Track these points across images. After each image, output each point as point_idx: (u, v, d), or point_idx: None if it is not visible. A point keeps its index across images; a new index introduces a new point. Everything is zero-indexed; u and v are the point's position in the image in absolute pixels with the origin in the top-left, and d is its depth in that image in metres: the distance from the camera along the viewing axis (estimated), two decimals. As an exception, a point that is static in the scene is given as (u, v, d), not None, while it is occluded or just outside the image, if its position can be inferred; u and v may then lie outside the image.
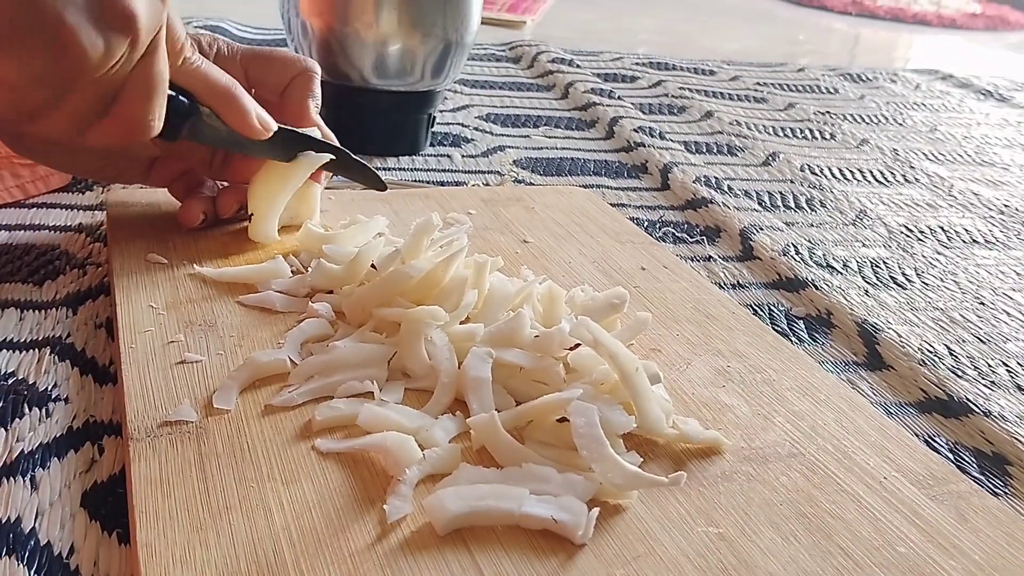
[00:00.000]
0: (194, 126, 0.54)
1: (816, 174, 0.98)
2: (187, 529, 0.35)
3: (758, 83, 1.38)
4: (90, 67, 0.44)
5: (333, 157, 0.60)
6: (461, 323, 0.50)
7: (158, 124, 0.50)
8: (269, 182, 0.59)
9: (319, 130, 0.61)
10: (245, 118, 0.54)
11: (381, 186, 0.64)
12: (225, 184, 0.62)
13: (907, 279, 0.74)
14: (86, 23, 0.42)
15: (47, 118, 0.46)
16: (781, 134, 1.13)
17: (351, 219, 0.61)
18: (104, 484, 0.41)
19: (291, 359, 0.46)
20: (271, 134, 0.56)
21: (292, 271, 0.55)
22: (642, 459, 0.42)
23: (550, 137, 1.00)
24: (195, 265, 0.55)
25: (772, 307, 0.67)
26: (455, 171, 0.86)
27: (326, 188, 0.71)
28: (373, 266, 0.52)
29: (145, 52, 0.46)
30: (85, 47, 0.43)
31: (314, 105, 0.61)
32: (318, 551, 0.35)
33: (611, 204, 0.78)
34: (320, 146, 0.60)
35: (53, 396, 0.46)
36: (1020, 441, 0.52)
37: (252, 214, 0.58)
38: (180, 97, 0.53)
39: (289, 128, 0.58)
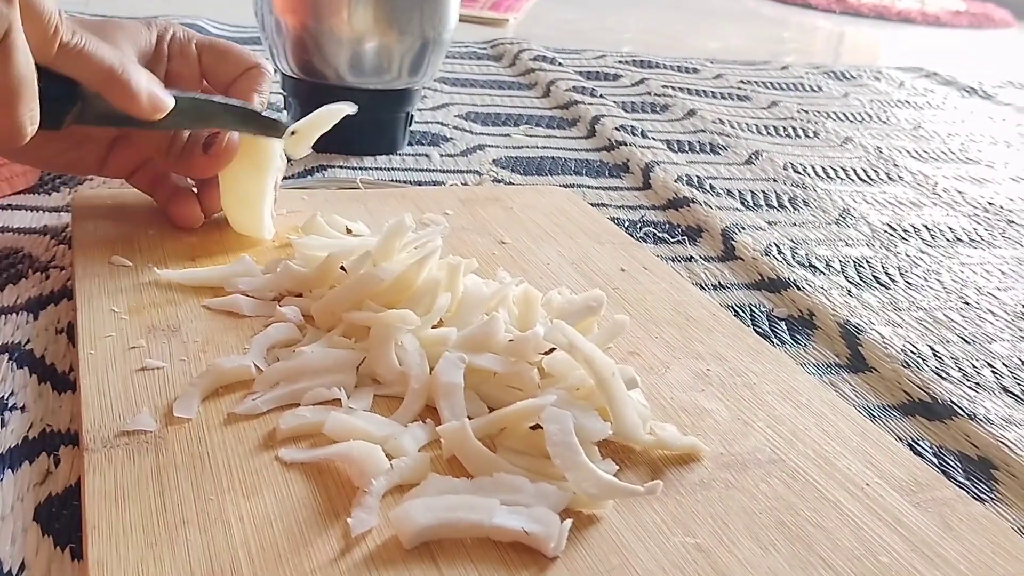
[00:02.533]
0: (82, 111, 0.50)
1: (799, 173, 0.97)
2: (141, 545, 0.34)
3: (742, 81, 1.37)
4: None
5: (283, 133, 0.58)
6: (433, 327, 0.48)
7: (30, 128, 0.45)
8: (237, 180, 0.57)
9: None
10: (132, 99, 0.50)
11: (279, 131, 0.59)
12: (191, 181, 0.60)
13: (890, 279, 0.73)
14: None
15: None
16: (764, 132, 1.12)
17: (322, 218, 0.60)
18: (59, 497, 0.39)
19: (256, 365, 0.45)
20: (165, 113, 0.51)
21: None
22: (618, 467, 0.41)
23: (530, 136, 0.98)
24: (156, 268, 0.53)
25: (754, 308, 0.66)
26: (433, 170, 0.84)
27: (301, 188, 0.70)
28: (343, 268, 0.51)
29: None
30: None
31: (259, 100, 0.59)
32: (278, 566, 0.33)
33: (592, 204, 0.77)
34: (221, 107, 0.56)
35: (9, 405, 0.44)
36: (1006, 445, 0.51)
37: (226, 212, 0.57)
38: (59, 83, 0.48)
39: (186, 95, 0.54)
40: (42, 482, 0.40)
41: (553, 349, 0.45)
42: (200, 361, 0.45)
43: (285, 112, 0.88)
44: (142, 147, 0.58)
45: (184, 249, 0.57)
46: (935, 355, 0.61)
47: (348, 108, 0.59)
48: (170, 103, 0.51)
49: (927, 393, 0.56)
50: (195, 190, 0.60)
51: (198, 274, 0.53)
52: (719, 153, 1.01)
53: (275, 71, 0.84)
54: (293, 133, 0.59)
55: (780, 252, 0.74)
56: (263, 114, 0.58)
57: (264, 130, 0.58)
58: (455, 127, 0.98)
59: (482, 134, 0.96)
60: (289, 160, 0.61)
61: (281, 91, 0.86)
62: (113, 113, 0.50)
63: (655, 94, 1.22)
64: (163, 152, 0.58)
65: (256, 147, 0.57)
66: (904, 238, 0.82)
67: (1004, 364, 0.61)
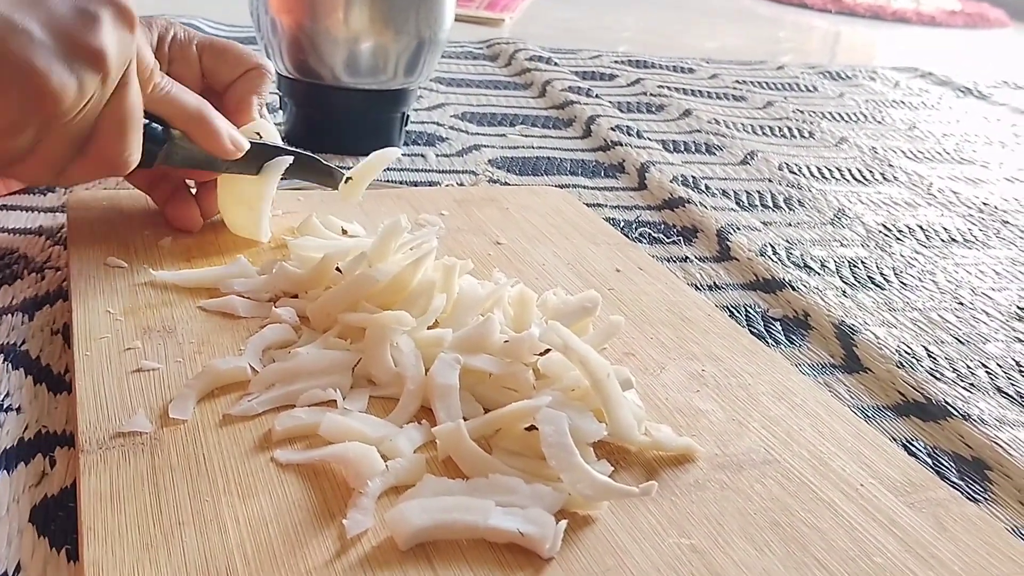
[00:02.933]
0: (168, 150, 0.53)
1: (794, 173, 0.97)
2: (137, 547, 0.34)
3: (737, 81, 1.37)
4: (64, 109, 0.43)
5: (292, 160, 0.59)
6: (429, 328, 0.48)
7: (136, 157, 0.49)
8: (235, 185, 0.58)
9: (264, 127, 0.59)
10: (218, 140, 0.54)
11: (335, 183, 0.62)
12: (191, 182, 0.61)
13: (885, 279, 0.73)
14: (57, 64, 0.42)
15: (23, 163, 0.45)
16: (760, 133, 1.12)
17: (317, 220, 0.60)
18: (55, 498, 0.39)
19: (252, 366, 0.45)
20: (242, 153, 0.55)
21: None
22: (613, 468, 0.41)
23: (526, 136, 0.99)
24: (151, 269, 0.53)
25: (749, 308, 0.66)
26: (429, 171, 0.84)
27: (295, 188, 0.70)
28: (338, 269, 0.51)
29: (117, 86, 0.45)
30: (57, 89, 0.42)
31: (258, 102, 0.59)
32: (273, 568, 0.33)
33: (587, 204, 0.77)
34: (283, 152, 0.59)
35: (4, 406, 0.44)
36: (999, 445, 0.51)
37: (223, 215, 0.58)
38: (153, 124, 0.52)
39: (261, 142, 0.58)
40: (38, 484, 0.40)
41: (548, 350, 0.45)
42: (196, 362, 0.45)
43: (280, 111, 0.88)
44: None
45: (179, 250, 0.57)
46: (929, 356, 0.61)
47: (397, 151, 0.61)
48: (246, 144, 0.55)
49: (921, 394, 0.56)
50: (193, 191, 0.60)
51: (193, 275, 0.53)
52: (715, 153, 1.01)
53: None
54: (348, 180, 0.60)
55: (775, 253, 0.74)
56: (322, 163, 0.61)
57: (322, 179, 0.61)
58: (451, 127, 0.98)
59: (478, 134, 0.96)
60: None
61: (277, 91, 0.86)
62: (193, 155, 0.54)
63: (651, 94, 1.22)
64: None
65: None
66: (899, 238, 0.82)
67: (998, 365, 0.61)
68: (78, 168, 0.47)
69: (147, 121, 0.51)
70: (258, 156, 0.57)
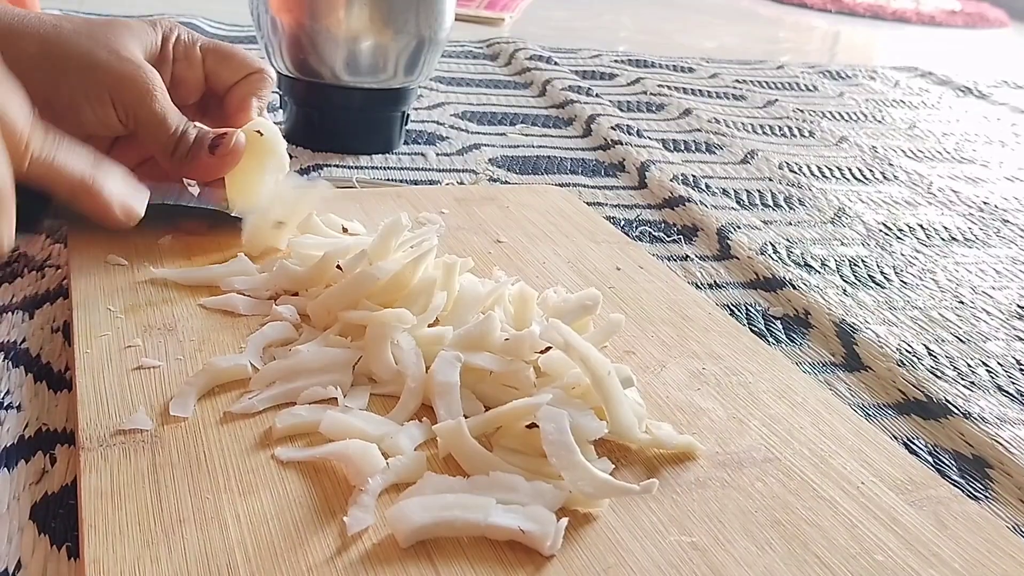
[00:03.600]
0: (56, 211, 0.50)
1: (795, 172, 0.97)
2: (138, 544, 0.34)
3: (737, 80, 1.37)
4: None
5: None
6: (429, 326, 0.48)
7: (7, 241, 0.42)
8: (244, 179, 0.58)
9: (264, 125, 0.59)
10: (103, 210, 0.50)
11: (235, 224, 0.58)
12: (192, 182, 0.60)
13: (885, 278, 0.73)
14: None
15: None
16: (760, 132, 1.12)
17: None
18: (55, 495, 0.39)
19: (252, 364, 0.45)
20: (135, 221, 0.53)
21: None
22: (614, 466, 0.41)
23: (526, 135, 0.98)
24: (152, 267, 0.53)
25: (749, 307, 0.66)
26: (429, 169, 0.84)
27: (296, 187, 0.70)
28: (339, 267, 0.51)
29: None
30: None
31: (257, 105, 0.59)
32: (274, 565, 0.33)
33: (587, 203, 0.77)
34: (189, 212, 0.57)
35: (5, 404, 0.44)
36: (1000, 443, 0.51)
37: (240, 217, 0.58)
38: (31, 191, 0.46)
39: (161, 202, 0.55)
40: (38, 481, 0.40)
41: (549, 348, 0.45)
42: (196, 360, 0.45)
43: (280, 110, 0.88)
44: (144, 147, 0.58)
45: (180, 248, 0.57)
46: (930, 354, 0.61)
47: (326, 190, 0.59)
48: (140, 212, 0.52)
49: (922, 392, 0.56)
50: (197, 192, 0.60)
51: (194, 273, 0.53)
52: (715, 152, 1.01)
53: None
54: (280, 223, 0.58)
55: (776, 251, 0.74)
56: (230, 214, 0.58)
57: (223, 226, 0.58)
58: (451, 126, 0.98)
59: (478, 133, 0.96)
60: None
61: (277, 90, 0.86)
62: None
63: (651, 93, 1.22)
64: (167, 153, 0.57)
65: (260, 146, 0.58)
66: (899, 237, 0.82)
67: (999, 363, 0.61)
68: None
69: (24, 188, 0.45)
70: (164, 214, 0.55)
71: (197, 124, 0.58)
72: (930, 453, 0.52)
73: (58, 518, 0.38)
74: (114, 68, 0.54)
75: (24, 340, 0.50)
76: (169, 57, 0.58)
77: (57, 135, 0.46)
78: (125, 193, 0.52)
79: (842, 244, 0.79)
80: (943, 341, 0.63)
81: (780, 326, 0.64)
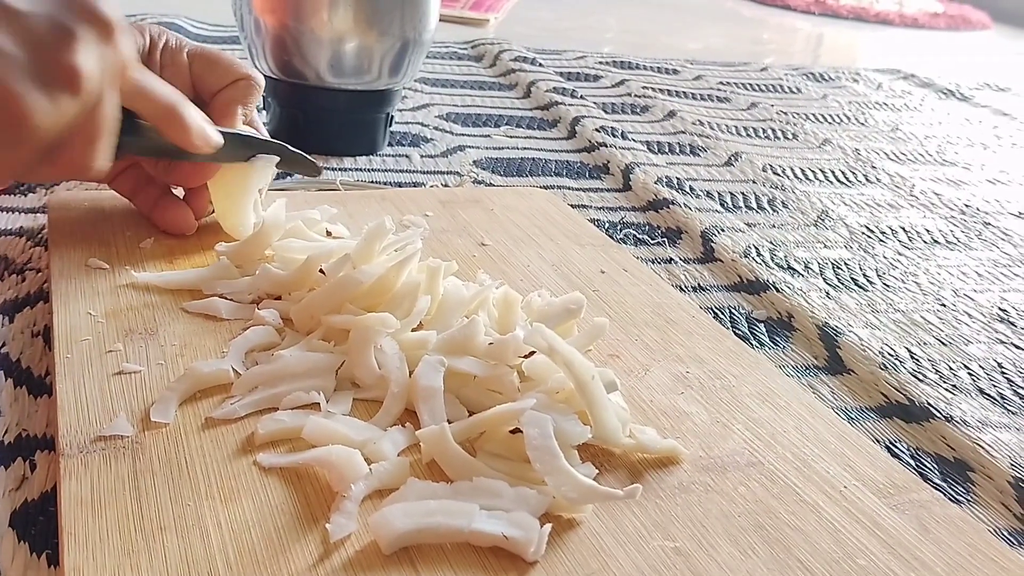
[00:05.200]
0: (137, 142, 0.52)
1: (778, 174, 0.97)
2: (118, 552, 0.33)
3: (721, 82, 1.37)
4: (37, 130, 0.41)
5: (278, 157, 0.58)
6: (413, 330, 0.48)
7: (105, 165, 0.47)
8: (228, 186, 0.57)
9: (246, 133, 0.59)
10: (187, 135, 0.52)
11: (316, 171, 0.62)
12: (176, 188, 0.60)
13: (868, 281, 0.73)
14: (31, 85, 0.40)
15: None
16: (744, 134, 1.12)
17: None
18: (35, 502, 0.39)
19: (234, 369, 0.44)
20: (214, 149, 0.54)
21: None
22: (597, 471, 0.41)
23: (511, 137, 0.98)
24: (133, 271, 0.53)
25: (733, 310, 0.66)
26: (414, 171, 0.84)
27: (279, 189, 0.69)
28: (322, 271, 0.50)
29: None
30: (31, 111, 0.40)
31: (242, 111, 0.59)
32: (256, 572, 0.33)
33: (572, 205, 0.77)
34: (263, 145, 0.58)
35: (-16, 409, 0.44)
36: (981, 446, 0.52)
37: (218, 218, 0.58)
38: (123, 116, 0.50)
39: (233, 132, 0.56)
40: (18, 488, 0.40)
41: (533, 352, 0.45)
42: (178, 365, 0.45)
43: (264, 111, 0.88)
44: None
45: (162, 251, 0.56)
46: (912, 357, 0.61)
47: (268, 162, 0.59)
48: (219, 140, 0.54)
49: (904, 395, 0.56)
50: (180, 195, 0.59)
51: (176, 277, 0.52)
52: (699, 155, 1.01)
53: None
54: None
55: (759, 254, 0.75)
56: (298, 153, 0.60)
57: (300, 168, 0.61)
58: (435, 128, 0.97)
59: (462, 135, 0.96)
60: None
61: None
62: (165, 145, 0.53)
63: (635, 95, 1.23)
64: (152, 162, 0.57)
65: (249, 171, 0.58)
66: (881, 240, 0.83)
67: (980, 366, 0.61)
68: (43, 172, 0.46)
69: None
70: (236, 147, 0.56)
71: None
72: (912, 456, 0.52)
73: (38, 525, 0.38)
74: None
75: (4, 344, 0.49)
76: (156, 62, 0.58)
77: (144, 68, 0.50)
78: (205, 123, 0.53)
79: (825, 247, 0.79)
80: (925, 344, 0.64)
81: (764, 329, 0.64)
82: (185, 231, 0.58)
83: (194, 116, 0.52)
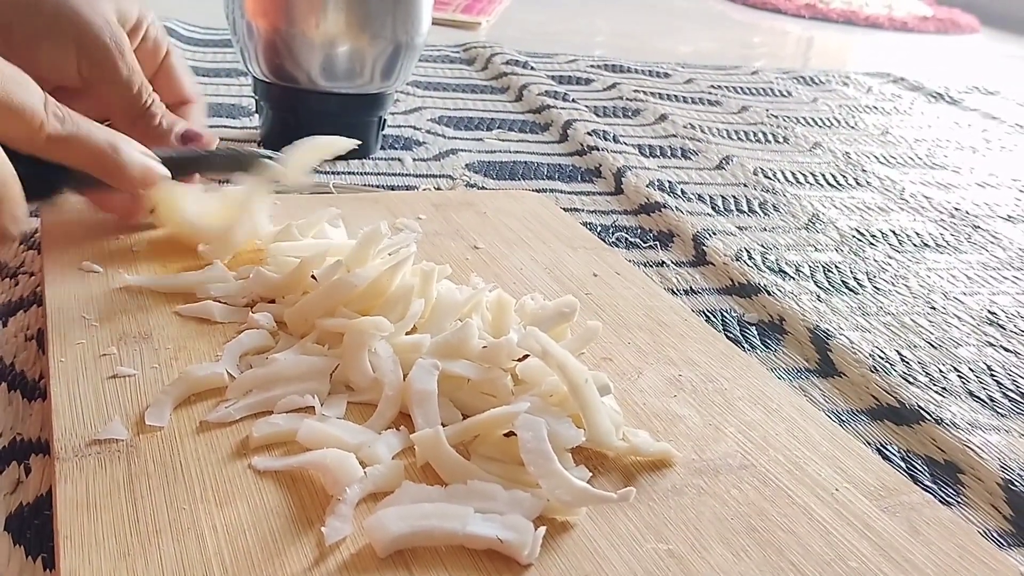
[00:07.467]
0: (77, 181, 0.51)
1: (769, 178, 0.98)
2: (114, 555, 0.33)
3: (712, 86, 1.38)
4: None
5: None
6: (407, 334, 0.48)
7: (18, 225, 0.44)
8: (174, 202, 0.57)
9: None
10: (126, 178, 0.51)
11: (270, 170, 0.59)
12: None
13: (859, 284, 0.73)
14: None
15: None
16: (735, 137, 1.13)
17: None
18: (30, 506, 0.39)
19: (229, 372, 0.44)
20: (157, 182, 0.53)
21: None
22: (591, 473, 0.41)
23: (503, 140, 0.99)
24: (127, 274, 0.53)
25: (725, 313, 0.66)
26: (406, 175, 0.84)
27: (273, 193, 0.69)
28: (313, 277, 0.50)
29: None
30: None
31: (176, 132, 0.58)
32: (252, 576, 0.33)
33: (564, 208, 0.77)
34: (213, 155, 0.58)
35: (-22, 413, 0.44)
36: (972, 449, 0.52)
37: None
38: (49, 165, 0.48)
39: (174, 153, 0.55)
40: (13, 491, 0.40)
41: (527, 355, 0.45)
42: (172, 368, 0.45)
43: (255, 114, 0.88)
44: (103, 107, 0.56)
45: (155, 254, 0.56)
46: (902, 360, 0.62)
47: (348, 143, 0.59)
48: (165, 173, 0.53)
49: (895, 398, 0.57)
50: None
51: (169, 280, 0.52)
52: (690, 158, 1.02)
53: (247, 74, 0.84)
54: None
55: (751, 257, 0.75)
56: (251, 152, 0.59)
57: (255, 169, 0.58)
58: (428, 131, 0.98)
59: (455, 138, 0.97)
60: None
61: (252, 95, 0.86)
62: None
63: (627, 99, 1.23)
64: (129, 119, 0.56)
65: (238, 204, 0.57)
66: (872, 243, 0.83)
67: (970, 369, 0.62)
68: None
69: (42, 164, 0.48)
70: (181, 166, 0.55)
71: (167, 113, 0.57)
72: (903, 459, 0.52)
73: (33, 529, 0.38)
74: (84, 17, 0.53)
75: (-3, 348, 0.49)
76: (138, 38, 0.57)
77: (70, 112, 0.48)
78: (144, 157, 0.52)
79: (816, 250, 0.80)
80: (915, 347, 0.64)
81: (755, 332, 0.64)
82: (134, 216, 0.58)
83: (132, 156, 0.51)
